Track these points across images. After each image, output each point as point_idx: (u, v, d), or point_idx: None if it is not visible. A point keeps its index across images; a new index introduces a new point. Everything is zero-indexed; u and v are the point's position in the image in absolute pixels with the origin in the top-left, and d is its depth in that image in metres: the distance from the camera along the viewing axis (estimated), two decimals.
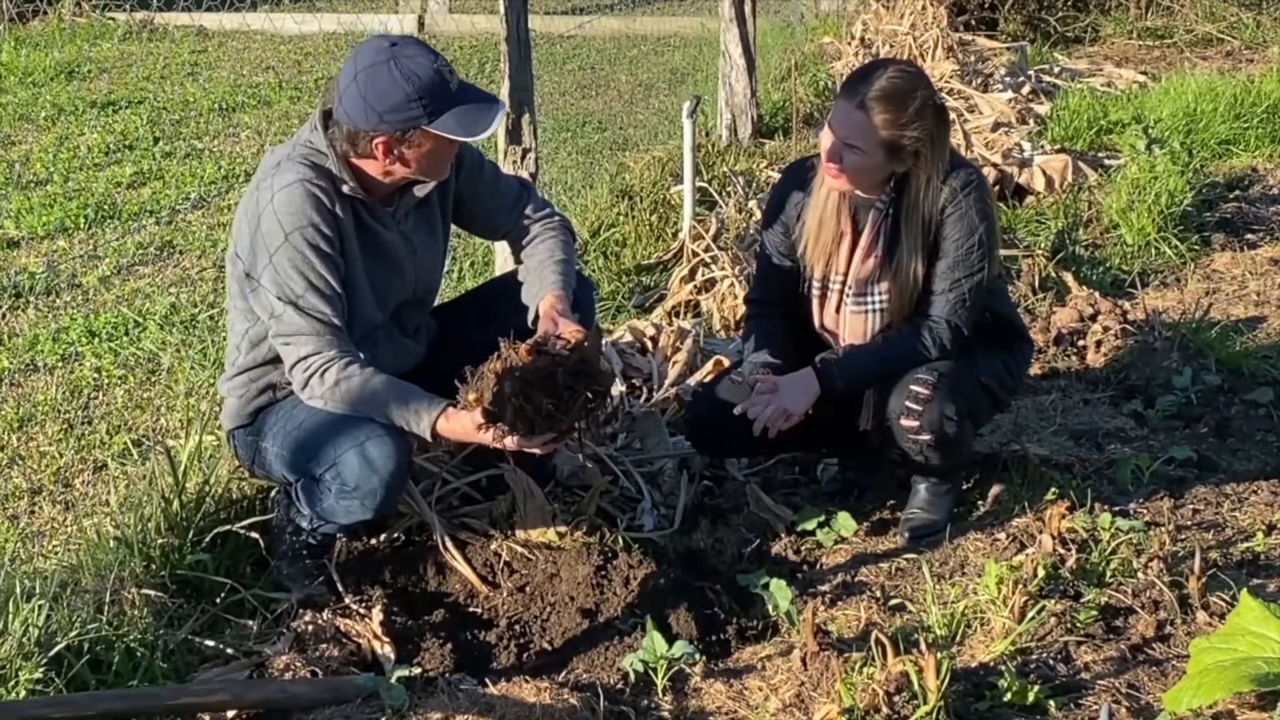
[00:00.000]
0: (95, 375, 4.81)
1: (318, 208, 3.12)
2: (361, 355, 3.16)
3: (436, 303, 3.64)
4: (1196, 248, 5.87)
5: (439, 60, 3.11)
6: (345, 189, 3.16)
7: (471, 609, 3.31)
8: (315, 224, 3.11)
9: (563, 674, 3.03)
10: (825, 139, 3.41)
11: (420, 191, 3.30)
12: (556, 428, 3.00)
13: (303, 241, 3.10)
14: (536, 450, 3.07)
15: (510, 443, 2.99)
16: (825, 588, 3.37)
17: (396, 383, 3.13)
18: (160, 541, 3.25)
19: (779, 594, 3.21)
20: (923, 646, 2.75)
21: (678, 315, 5.09)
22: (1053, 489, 3.65)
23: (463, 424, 3.02)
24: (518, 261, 3.52)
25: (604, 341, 3.20)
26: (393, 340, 3.38)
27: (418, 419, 3.08)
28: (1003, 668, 2.91)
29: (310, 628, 3.14)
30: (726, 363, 4.21)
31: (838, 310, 3.55)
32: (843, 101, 3.38)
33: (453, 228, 3.54)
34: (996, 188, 6.48)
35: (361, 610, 3.21)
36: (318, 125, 3.19)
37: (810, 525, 3.62)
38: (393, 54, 3.08)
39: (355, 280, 3.22)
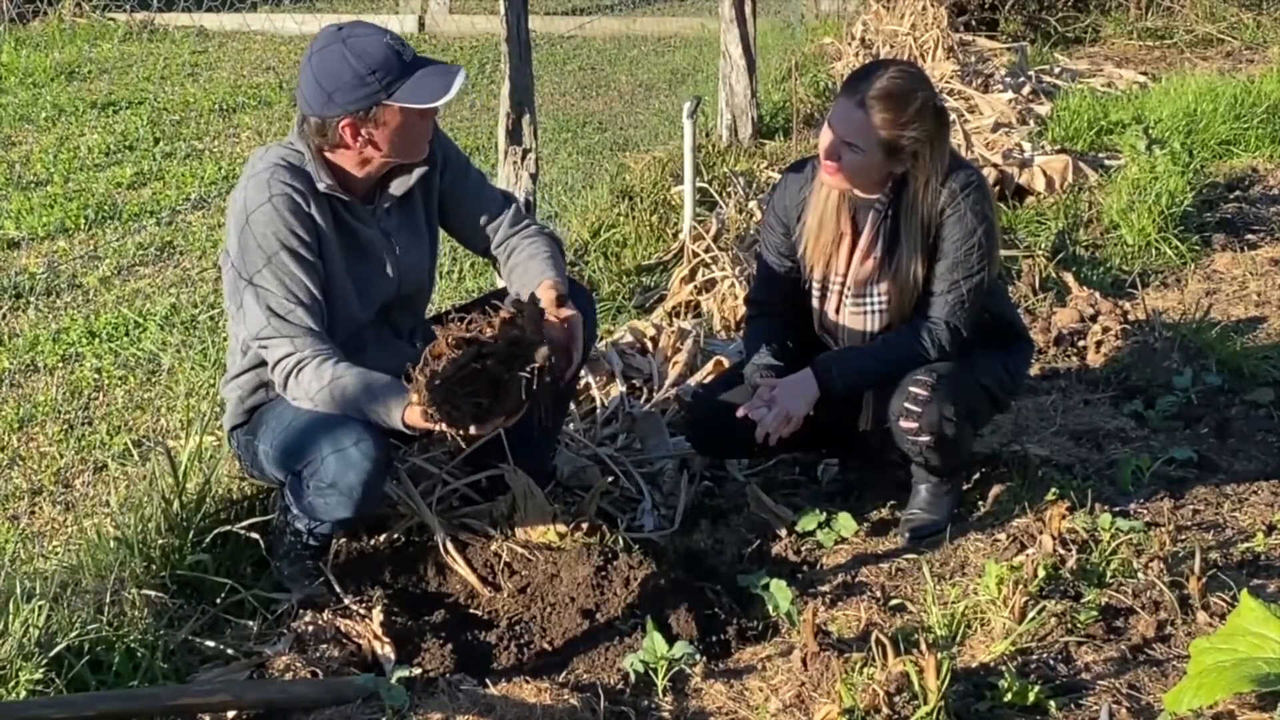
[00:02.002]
0: (95, 376, 4.81)
1: (292, 210, 3.12)
2: (338, 354, 3.13)
3: (442, 306, 3.61)
4: (1197, 248, 5.86)
5: (390, 36, 3.12)
6: (321, 187, 3.16)
7: (472, 609, 3.31)
8: (290, 227, 3.11)
9: (563, 674, 3.03)
10: (824, 137, 3.41)
11: (398, 189, 3.28)
12: (503, 410, 2.92)
13: (277, 245, 3.10)
14: (509, 424, 3.00)
15: (465, 431, 2.95)
16: (825, 588, 3.36)
17: (370, 377, 3.09)
18: (160, 542, 3.25)
19: (779, 594, 3.21)
20: (923, 647, 2.75)
21: (678, 316, 5.08)
22: (1053, 489, 3.65)
23: (418, 417, 2.98)
24: (507, 281, 3.43)
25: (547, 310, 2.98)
26: (384, 343, 3.36)
27: (388, 412, 3.05)
28: (1003, 668, 2.91)
29: (310, 628, 3.14)
30: (727, 363, 4.21)
31: (837, 311, 3.56)
32: (843, 100, 3.38)
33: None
34: (997, 188, 6.47)
35: (362, 611, 3.21)
36: (296, 125, 3.20)
37: (810, 525, 3.62)
38: (342, 36, 3.10)
39: (337, 281, 3.21)
